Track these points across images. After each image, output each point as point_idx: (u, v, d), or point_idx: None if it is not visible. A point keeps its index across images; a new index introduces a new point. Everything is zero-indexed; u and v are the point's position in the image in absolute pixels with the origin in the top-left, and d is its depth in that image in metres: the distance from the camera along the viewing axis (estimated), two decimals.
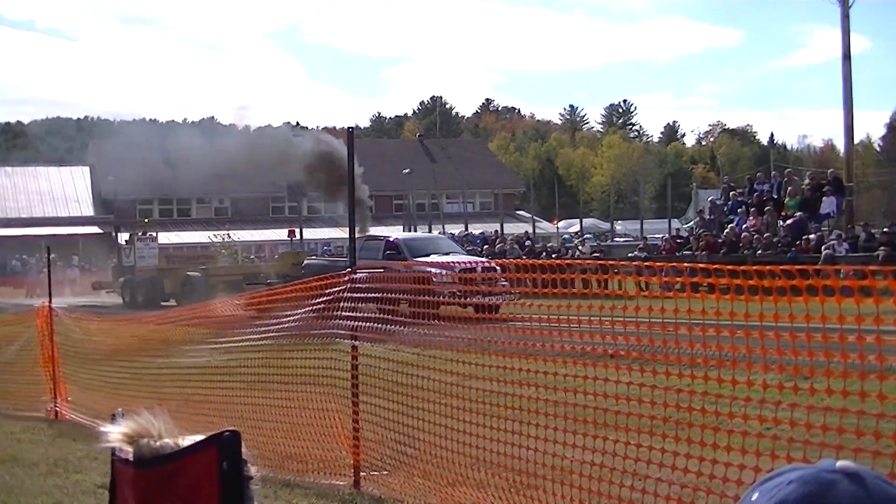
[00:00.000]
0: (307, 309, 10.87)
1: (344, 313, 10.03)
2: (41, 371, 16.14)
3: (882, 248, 28.80)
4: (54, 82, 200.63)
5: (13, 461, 11.64)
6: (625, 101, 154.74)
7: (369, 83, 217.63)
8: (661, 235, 46.28)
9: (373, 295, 9.80)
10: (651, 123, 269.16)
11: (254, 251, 69.81)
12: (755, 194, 36.76)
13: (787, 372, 5.79)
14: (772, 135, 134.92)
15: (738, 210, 36.01)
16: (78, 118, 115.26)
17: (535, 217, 70.33)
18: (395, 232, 43.77)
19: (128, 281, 47.51)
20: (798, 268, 5.64)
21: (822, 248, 30.02)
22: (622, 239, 59.66)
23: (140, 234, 50.28)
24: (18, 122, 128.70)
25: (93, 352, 16.09)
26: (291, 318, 11.08)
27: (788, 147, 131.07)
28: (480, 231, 57.83)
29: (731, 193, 38.82)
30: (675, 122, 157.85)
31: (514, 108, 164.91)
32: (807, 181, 36.53)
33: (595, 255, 39.23)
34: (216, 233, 64.73)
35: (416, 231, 55.46)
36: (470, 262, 24.90)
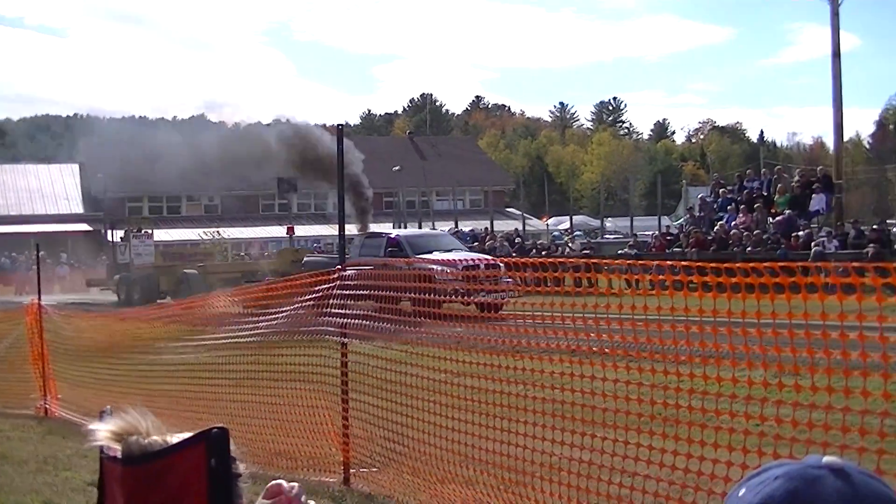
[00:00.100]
0: (296, 306, 10.88)
1: (333, 310, 10.03)
2: (31, 368, 16.13)
3: (871, 244, 28.84)
4: (43, 79, 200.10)
5: (2, 459, 11.64)
6: (615, 98, 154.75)
7: (359, 81, 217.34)
8: (650, 233, 46.20)
9: (372, 292, 9.72)
10: (641, 121, 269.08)
11: (244, 248, 69.67)
12: (745, 192, 36.78)
13: (774, 369, 5.81)
14: (761, 132, 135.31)
15: (728, 207, 36.03)
16: (67, 115, 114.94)
17: (524, 214, 70.22)
18: (384, 229, 43.65)
19: (123, 278, 47.13)
20: (783, 265, 5.67)
21: (812, 245, 30.07)
22: (612, 236, 59.52)
23: (135, 231, 50.00)
24: (7, 119, 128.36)
25: (82, 349, 16.09)
26: (281, 314, 11.09)
27: (778, 144, 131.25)
28: (470, 228, 57.73)
29: (720, 191, 38.82)
30: (664, 119, 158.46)
31: (504, 106, 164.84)
32: (796, 178, 36.56)
33: (585, 252, 39.24)
34: (206, 230, 64.58)
35: (405, 228, 55.35)
36: (473, 260, 24.71)
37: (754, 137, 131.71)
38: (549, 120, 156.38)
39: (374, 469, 9.42)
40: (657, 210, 54.75)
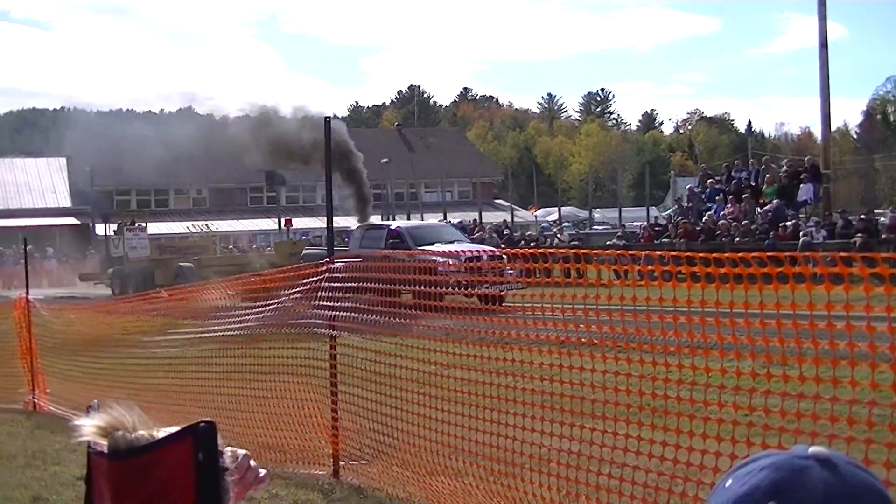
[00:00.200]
0: (282, 298, 10.87)
1: (322, 303, 10.03)
2: (19, 363, 16.09)
3: (859, 234, 28.90)
4: (30, 73, 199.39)
5: None
6: (602, 89, 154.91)
7: (347, 73, 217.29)
8: (639, 223, 46.30)
9: (372, 285, 9.63)
10: (629, 112, 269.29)
11: (232, 241, 69.53)
12: (733, 182, 36.82)
13: (761, 359, 5.82)
14: (749, 123, 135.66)
15: (716, 198, 36.07)
16: (54, 109, 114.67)
17: (513, 206, 70.26)
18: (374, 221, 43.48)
19: (117, 272, 46.66)
20: (770, 255, 5.68)
21: (801, 234, 30.12)
22: (600, 227, 59.66)
23: (129, 224, 49.64)
24: None
25: (70, 343, 16.06)
26: (269, 307, 11.08)
27: (766, 135, 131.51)
28: (459, 220, 57.75)
29: (708, 181, 38.85)
30: (652, 110, 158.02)
31: (492, 97, 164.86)
32: (784, 169, 36.60)
33: (574, 243, 39.28)
34: (194, 223, 64.42)
35: (394, 220, 55.29)
36: (476, 251, 24.48)
37: (742, 128, 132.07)
38: (537, 111, 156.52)
39: (364, 461, 9.42)
40: (645, 201, 54.87)
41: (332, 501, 8.79)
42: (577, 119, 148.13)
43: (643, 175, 66.82)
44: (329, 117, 11.35)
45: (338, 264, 10.29)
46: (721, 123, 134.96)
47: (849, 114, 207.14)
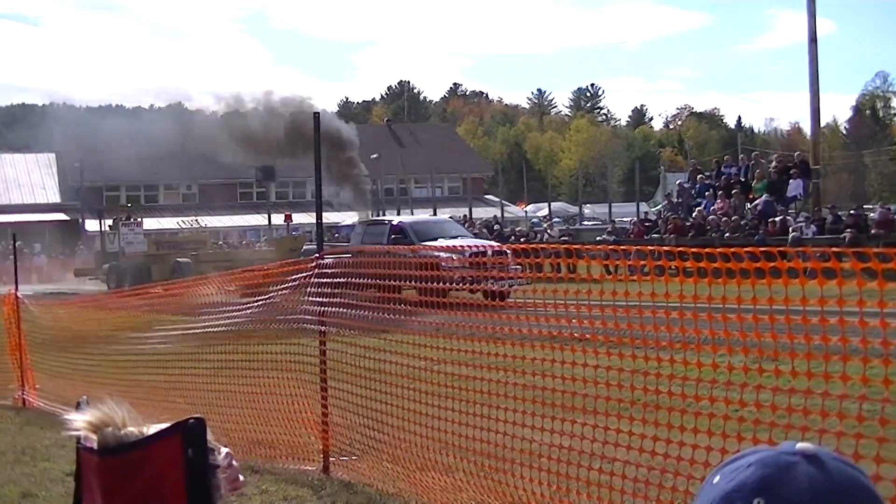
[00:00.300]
0: (276, 294, 10.85)
1: (311, 298, 10.00)
2: (8, 359, 16.05)
3: (848, 230, 28.97)
4: (18, 68, 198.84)
5: None
6: (592, 84, 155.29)
7: (337, 68, 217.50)
8: (629, 219, 46.38)
9: (372, 281, 9.48)
10: (619, 107, 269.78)
11: (222, 237, 69.44)
12: (723, 177, 36.90)
13: (753, 354, 5.82)
14: (739, 118, 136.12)
15: (706, 193, 36.14)
16: (43, 104, 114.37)
17: (503, 201, 70.31)
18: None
19: (113, 267, 46.39)
20: (763, 250, 5.68)
21: (790, 230, 30.18)
22: (590, 223, 59.73)
23: (124, 219, 49.31)
24: None
25: (60, 339, 16.02)
26: (258, 303, 11.06)
27: (756, 130, 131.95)
28: (449, 216, 57.78)
29: (698, 177, 38.92)
30: (642, 105, 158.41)
31: (482, 93, 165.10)
32: (774, 164, 36.68)
33: (563, 238, 39.31)
34: (184, 219, 64.34)
35: (384, 215, 55.19)
36: (480, 246, 23.92)
37: (732, 123, 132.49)
38: (527, 107, 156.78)
39: (354, 457, 9.41)
40: (635, 196, 55.00)
41: (321, 497, 8.77)
42: (567, 114, 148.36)
43: (633, 170, 66.88)
44: (318, 113, 11.30)
45: (328, 260, 10.25)
46: (711, 119, 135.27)
47: (838, 109, 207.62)
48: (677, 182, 44.16)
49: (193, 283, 14.30)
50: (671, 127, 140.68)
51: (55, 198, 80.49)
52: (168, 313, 14.25)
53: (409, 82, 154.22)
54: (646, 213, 47.98)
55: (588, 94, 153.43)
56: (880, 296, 4.99)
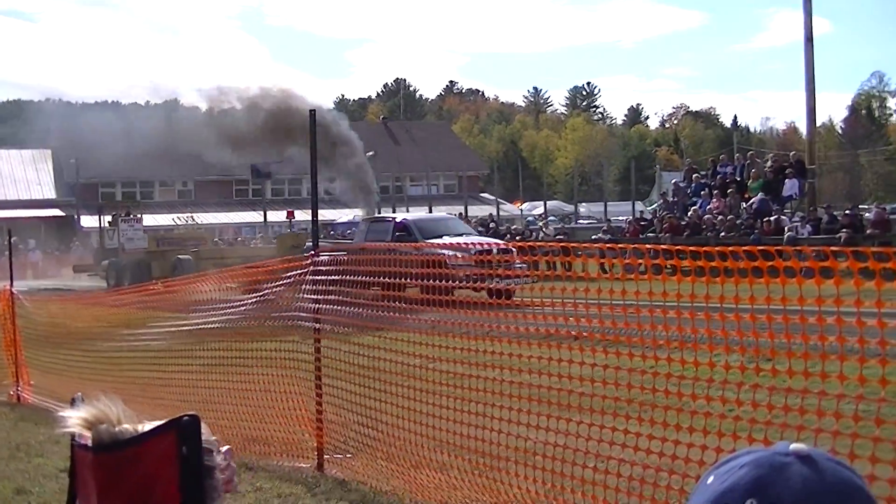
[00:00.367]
0: (266, 291, 10.83)
1: (306, 296, 9.99)
2: (3, 355, 16.05)
3: (844, 229, 28.99)
4: (15, 64, 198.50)
5: None
6: (588, 83, 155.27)
7: (333, 65, 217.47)
8: (624, 218, 46.43)
9: (378, 279, 9.36)
10: (615, 106, 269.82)
11: (218, 234, 69.36)
12: (718, 177, 36.92)
13: (750, 353, 5.82)
14: (735, 117, 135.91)
15: (702, 192, 36.17)
16: (39, 100, 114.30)
17: (498, 200, 70.30)
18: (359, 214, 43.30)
19: (112, 264, 45.76)
20: (760, 249, 5.67)
21: (786, 229, 30.20)
22: (586, 221, 59.74)
23: (123, 215, 48.99)
24: None
25: (55, 335, 16.01)
26: (253, 300, 11.05)
27: (751, 129, 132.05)
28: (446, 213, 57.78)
29: (694, 176, 38.93)
30: (638, 104, 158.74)
31: (478, 91, 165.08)
32: (769, 164, 36.71)
33: (559, 237, 39.33)
34: (179, 215, 64.24)
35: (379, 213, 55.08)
36: (485, 244, 23.70)
37: (728, 122, 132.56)
38: (523, 105, 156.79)
39: (349, 455, 9.40)
40: (631, 195, 55.01)
41: (316, 495, 8.76)
42: (562, 113, 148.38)
43: (629, 169, 66.82)
44: (314, 110, 11.28)
45: (323, 257, 10.23)
46: (707, 118, 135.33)
47: (834, 109, 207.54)
48: (673, 181, 44.24)
49: (194, 280, 14.25)
50: (667, 126, 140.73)
51: (50, 194, 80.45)
52: (164, 310, 14.22)
53: (405, 80, 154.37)
54: (641, 212, 48.05)
55: (584, 93, 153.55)
56: (878, 295, 4.99)
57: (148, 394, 11.61)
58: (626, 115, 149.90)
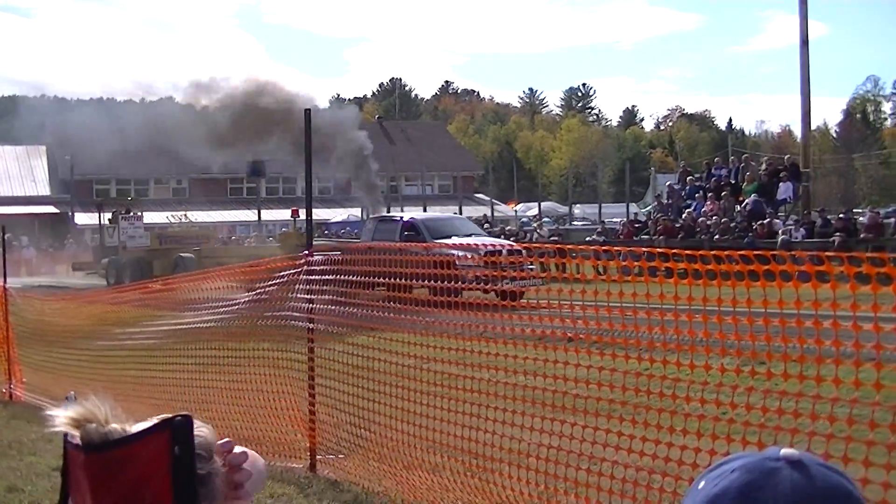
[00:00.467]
0: (259, 291, 10.82)
1: (300, 296, 9.98)
2: None
3: (838, 233, 28.97)
4: (10, 60, 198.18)
5: None
6: (584, 84, 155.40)
7: (330, 64, 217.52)
8: (619, 219, 46.46)
9: (384, 280, 9.21)
10: (610, 107, 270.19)
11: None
12: (713, 179, 36.92)
13: (745, 356, 5.81)
14: (730, 120, 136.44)
15: (696, 195, 36.16)
16: (34, 96, 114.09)
17: (493, 200, 70.33)
18: (354, 213, 43.25)
19: (112, 262, 45.33)
20: (757, 253, 5.67)
21: (780, 233, 30.21)
22: (580, 223, 59.79)
23: (123, 212, 48.73)
24: None
25: (49, 333, 15.98)
26: (247, 300, 11.04)
27: (746, 132, 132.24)
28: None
29: (688, 178, 38.92)
30: (633, 106, 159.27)
31: (473, 91, 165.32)
32: (764, 167, 36.72)
33: (553, 238, 39.34)
34: (173, 213, 64.12)
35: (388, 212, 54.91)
36: (495, 245, 23.44)
37: (723, 125, 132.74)
38: (519, 106, 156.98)
39: (341, 455, 9.39)
40: (625, 197, 55.08)
41: (308, 495, 8.75)
42: (558, 114, 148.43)
43: (623, 171, 66.95)
44: (309, 109, 11.26)
45: (317, 257, 10.21)
46: (702, 120, 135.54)
47: (829, 112, 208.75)
48: (667, 183, 44.19)
49: (194, 279, 14.19)
50: (662, 128, 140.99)
51: (45, 190, 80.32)
52: (159, 309, 14.20)
53: (400, 79, 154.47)
54: (635, 213, 48.03)
55: (580, 94, 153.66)
56: (873, 299, 4.99)
57: (140, 393, 11.59)
58: (621, 117, 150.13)
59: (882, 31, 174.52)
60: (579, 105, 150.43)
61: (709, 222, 32.99)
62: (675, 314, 6.10)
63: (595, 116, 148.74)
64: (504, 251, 10.80)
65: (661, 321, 6.23)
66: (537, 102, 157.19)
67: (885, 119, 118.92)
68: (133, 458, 2.09)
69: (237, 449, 2.24)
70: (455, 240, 24.25)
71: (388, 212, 52.06)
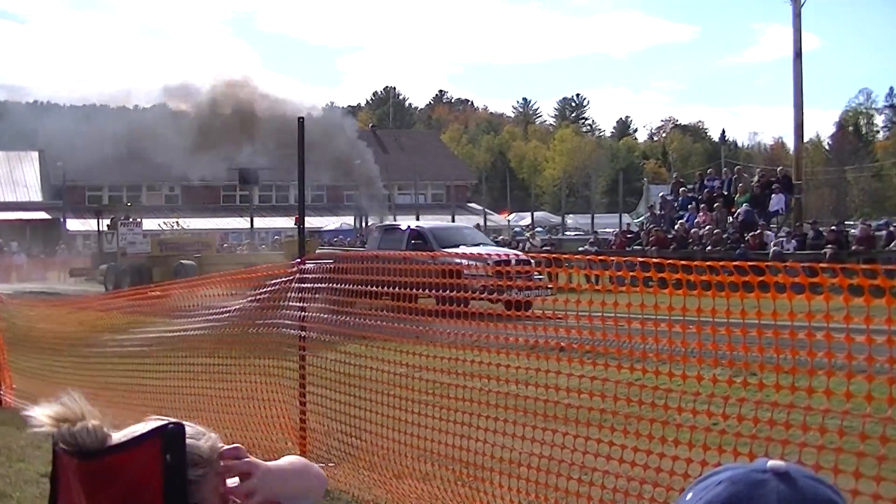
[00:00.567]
0: (250, 298, 10.80)
1: (291, 303, 9.96)
2: None
3: (829, 245, 29.04)
4: (3, 66, 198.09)
5: None
6: (577, 94, 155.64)
7: (324, 72, 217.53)
8: (611, 230, 46.56)
9: (390, 290, 9.08)
10: (604, 118, 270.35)
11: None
12: (705, 191, 37.01)
13: (737, 367, 5.81)
14: (723, 131, 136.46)
15: (689, 206, 36.23)
16: (27, 102, 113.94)
17: (486, 210, 70.40)
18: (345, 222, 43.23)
19: (111, 268, 44.89)
20: (751, 264, 5.67)
21: (772, 244, 30.26)
22: (573, 233, 59.85)
23: (122, 218, 48.47)
24: None
25: (39, 339, 15.94)
26: (238, 307, 11.02)
27: (739, 144, 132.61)
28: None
29: (681, 189, 39.00)
30: (627, 116, 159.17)
31: (467, 101, 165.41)
32: (756, 178, 36.80)
33: (546, 248, 39.35)
34: (166, 220, 64.09)
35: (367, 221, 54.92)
36: (503, 255, 23.09)
37: (716, 136, 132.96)
38: (512, 115, 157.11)
39: (331, 464, 9.36)
40: (618, 207, 55.21)
41: None
42: (551, 124, 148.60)
43: (616, 182, 67.00)
44: (303, 118, 11.26)
45: (309, 265, 10.19)
46: (695, 132, 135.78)
47: (821, 125, 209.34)
48: (660, 194, 44.34)
49: (191, 285, 14.15)
50: (655, 139, 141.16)
51: (37, 196, 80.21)
52: (147, 315, 14.17)
53: (394, 88, 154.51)
54: (628, 224, 48.19)
55: (573, 104, 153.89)
56: (866, 312, 4.99)
57: (130, 400, 11.55)
58: (614, 128, 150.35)
59: (875, 44, 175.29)
60: (573, 115, 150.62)
61: (701, 233, 33.05)
62: (668, 325, 6.10)
63: (588, 127, 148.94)
64: (513, 261, 10.75)
65: (653, 331, 6.22)
66: (531, 112, 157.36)
67: (878, 132, 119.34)
68: (126, 464, 2.09)
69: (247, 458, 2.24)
70: (463, 249, 23.97)
71: (382, 222, 52.05)
